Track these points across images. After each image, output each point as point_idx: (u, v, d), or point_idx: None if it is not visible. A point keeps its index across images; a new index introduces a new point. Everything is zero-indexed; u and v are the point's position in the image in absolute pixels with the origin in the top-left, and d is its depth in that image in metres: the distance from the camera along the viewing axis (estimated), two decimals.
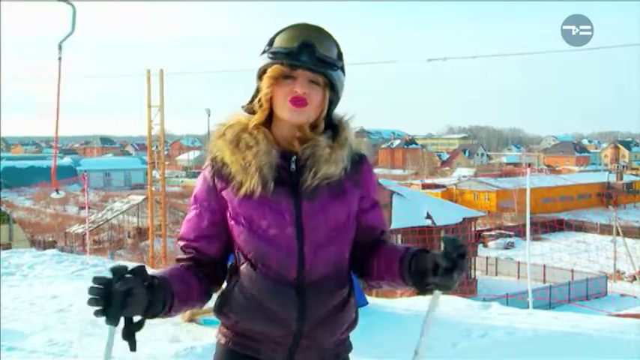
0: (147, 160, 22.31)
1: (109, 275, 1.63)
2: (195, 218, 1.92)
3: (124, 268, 1.65)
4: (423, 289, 1.80)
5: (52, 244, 32.57)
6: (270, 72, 1.81)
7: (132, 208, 40.85)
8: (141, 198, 39.21)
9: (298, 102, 1.79)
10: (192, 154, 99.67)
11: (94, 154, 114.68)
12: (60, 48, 10.33)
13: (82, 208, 39.74)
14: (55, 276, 8.35)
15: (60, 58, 10.36)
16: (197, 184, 1.95)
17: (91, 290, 1.61)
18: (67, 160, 79.14)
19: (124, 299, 1.62)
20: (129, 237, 39.41)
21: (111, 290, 1.62)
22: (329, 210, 1.85)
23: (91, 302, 1.62)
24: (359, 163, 1.94)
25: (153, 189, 21.57)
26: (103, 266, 8.97)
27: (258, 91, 1.86)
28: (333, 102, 1.87)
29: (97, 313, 1.63)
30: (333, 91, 1.85)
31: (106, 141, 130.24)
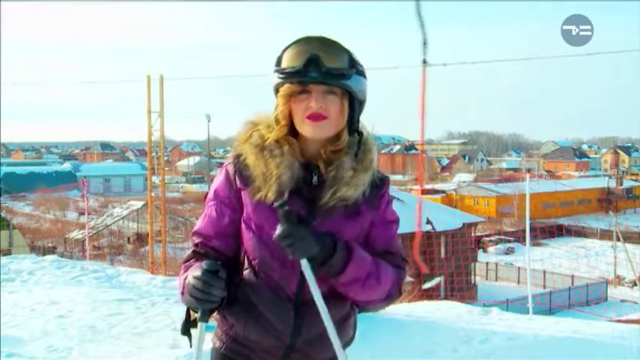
0: (147, 165, 22.31)
1: (211, 268, 1.70)
2: (215, 214, 1.89)
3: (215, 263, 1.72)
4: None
5: (51, 250, 32.51)
6: (282, 91, 1.80)
7: (131, 213, 40.87)
8: (140, 204, 39.20)
9: (316, 117, 1.78)
10: (192, 160, 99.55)
11: (94, 159, 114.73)
12: None
13: (82, 213, 39.68)
14: (54, 282, 8.33)
15: None
16: (217, 179, 1.92)
17: (209, 279, 1.69)
18: (67, 166, 79.21)
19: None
20: (128, 243, 39.44)
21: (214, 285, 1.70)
22: (340, 230, 1.84)
23: (204, 295, 1.70)
24: (379, 187, 1.93)
25: (153, 194, 21.55)
26: (103, 272, 8.94)
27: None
28: (355, 108, 1.83)
29: (201, 305, 1.72)
30: (353, 98, 1.81)
31: (106, 147, 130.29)
